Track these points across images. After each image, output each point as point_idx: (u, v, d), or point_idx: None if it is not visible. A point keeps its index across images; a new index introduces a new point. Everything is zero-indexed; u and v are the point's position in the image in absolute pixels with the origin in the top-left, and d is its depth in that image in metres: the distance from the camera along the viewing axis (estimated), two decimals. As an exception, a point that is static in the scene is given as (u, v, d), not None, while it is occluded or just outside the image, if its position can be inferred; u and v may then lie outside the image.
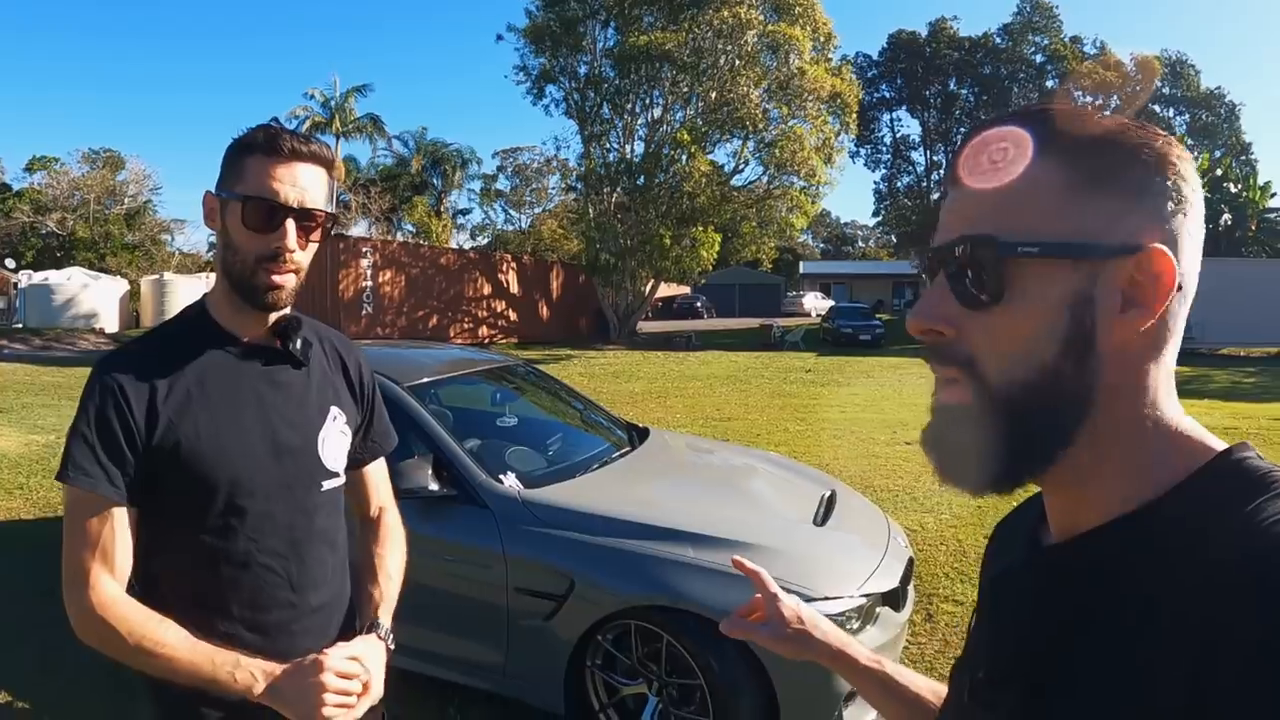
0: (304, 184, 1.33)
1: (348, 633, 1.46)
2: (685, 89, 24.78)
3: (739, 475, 4.26)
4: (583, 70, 25.99)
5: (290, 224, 1.32)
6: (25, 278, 35.60)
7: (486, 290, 26.68)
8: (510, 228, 51.04)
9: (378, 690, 1.34)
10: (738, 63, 23.82)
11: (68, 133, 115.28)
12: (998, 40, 43.03)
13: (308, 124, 41.57)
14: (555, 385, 5.21)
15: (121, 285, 36.49)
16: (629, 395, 13.56)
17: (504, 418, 4.66)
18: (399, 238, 39.77)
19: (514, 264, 28.16)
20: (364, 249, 23.20)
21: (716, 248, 24.07)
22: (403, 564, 1.63)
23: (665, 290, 42.16)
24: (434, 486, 3.36)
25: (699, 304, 44.28)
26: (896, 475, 7.15)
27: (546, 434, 4.53)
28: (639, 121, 26.04)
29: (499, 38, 27.34)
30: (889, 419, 10.50)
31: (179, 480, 1.31)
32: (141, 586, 1.36)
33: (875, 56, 46.02)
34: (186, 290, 35.09)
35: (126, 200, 47.19)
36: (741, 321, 37.33)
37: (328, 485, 1.46)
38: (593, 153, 26.38)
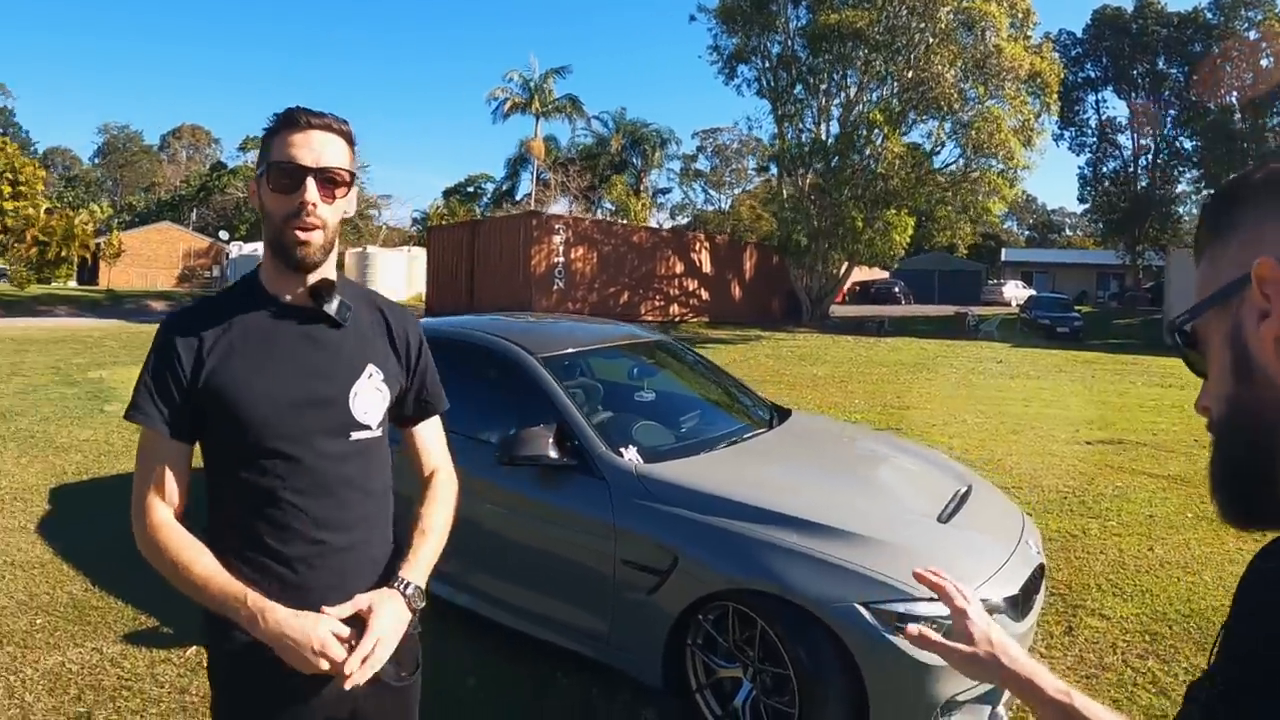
0: (319, 147, 1.48)
1: (388, 580, 1.56)
2: (879, 68, 23.94)
3: (869, 463, 4.12)
4: (775, 50, 25.61)
5: (310, 181, 1.46)
6: (236, 249, 39.24)
7: (679, 269, 26.92)
8: (710, 208, 51.28)
9: (383, 646, 1.44)
10: (932, 41, 22.74)
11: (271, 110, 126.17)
12: (1209, 16, 38.57)
13: (508, 105, 43.26)
14: (704, 363, 5.23)
15: (326, 257, 39.58)
16: (811, 379, 13.35)
17: (642, 392, 4.72)
18: (596, 216, 40.77)
19: (707, 243, 28.24)
20: (556, 226, 23.96)
21: (909, 231, 23.14)
22: (448, 522, 1.72)
23: (863, 275, 41.09)
24: (554, 455, 3.48)
25: (897, 289, 42.72)
26: (1069, 476, 6.68)
27: (683, 410, 4.55)
28: (834, 102, 25.38)
29: (691, 18, 27.13)
30: (1073, 416, 9.84)
31: (219, 421, 1.49)
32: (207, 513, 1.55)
33: (1079, 34, 42.37)
34: (388, 263, 37.67)
35: None
36: (939, 308, 35.76)
37: (357, 436, 1.57)
38: (785, 133, 25.99)
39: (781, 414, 4.64)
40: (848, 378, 13.63)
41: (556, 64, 51.54)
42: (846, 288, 43.73)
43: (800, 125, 25.87)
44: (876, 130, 23.21)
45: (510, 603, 3.78)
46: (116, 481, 6.50)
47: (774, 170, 27.59)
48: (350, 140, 1.54)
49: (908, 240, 23.49)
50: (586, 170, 46.96)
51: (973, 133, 22.67)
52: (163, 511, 1.47)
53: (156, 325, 1.58)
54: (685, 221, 49.98)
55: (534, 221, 24.10)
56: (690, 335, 21.25)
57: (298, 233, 1.47)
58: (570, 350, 4.49)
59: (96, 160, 71.21)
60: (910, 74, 23.33)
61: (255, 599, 1.39)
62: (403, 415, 1.72)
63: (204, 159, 67.88)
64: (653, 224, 42.76)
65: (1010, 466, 6.93)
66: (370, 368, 1.60)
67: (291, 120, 1.48)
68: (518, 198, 50.08)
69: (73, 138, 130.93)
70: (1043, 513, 5.58)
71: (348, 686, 1.38)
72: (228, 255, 41.23)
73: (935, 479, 3.93)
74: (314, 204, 1.46)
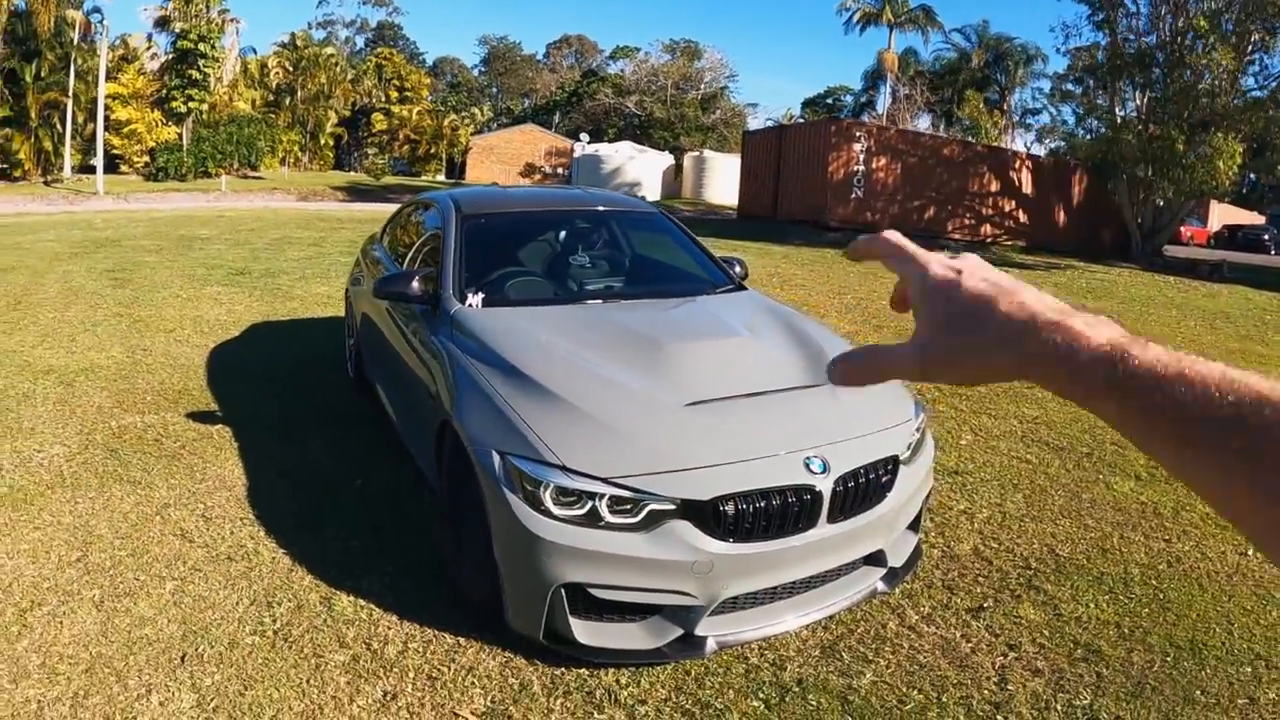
0: None
1: None
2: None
3: (702, 343, 3.85)
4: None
5: None
6: (579, 147, 41.49)
7: (994, 187, 24.62)
8: (1083, 133, 45.57)
9: None
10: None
11: (651, 24, 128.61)
12: None
13: (858, 14, 41.38)
14: (681, 237, 5.27)
15: (666, 159, 40.72)
16: None
17: (577, 255, 5.00)
18: (944, 132, 38.11)
19: (1028, 162, 25.45)
20: (857, 134, 22.97)
21: (1237, 160, 18.97)
22: None
23: (1233, 217, 34.50)
24: (415, 291, 4.16)
25: (1266, 236, 35.45)
26: None
27: (601, 273, 4.92)
28: (1162, 9, 21.19)
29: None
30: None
31: None
32: None
33: None
34: (723, 167, 38.16)
35: (703, 86, 52.35)
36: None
37: None
38: (1102, 41, 22.42)
39: (725, 288, 4.74)
40: (1118, 317, 11.79)
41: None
42: (1215, 230, 37.37)
43: (1118, 31, 22.06)
44: (1199, 39, 19.18)
45: (390, 398, 4.86)
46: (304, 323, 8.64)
47: (1089, 83, 23.79)
48: None
49: (1234, 171, 19.34)
50: (946, 85, 43.94)
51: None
52: None
53: None
54: (1055, 146, 45.20)
55: (833, 128, 23.33)
56: (992, 258, 19.58)
57: None
58: (500, 211, 5.02)
59: (481, 69, 79.03)
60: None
61: None
62: None
63: (584, 67, 72.57)
64: (1015, 146, 38.98)
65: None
66: None
67: None
68: (878, 111, 48.27)
69: (460, 48, 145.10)
70: None
71: None
72: (573, 154, 44.23)
73: (778, 366, 3.60)
74: None
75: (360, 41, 71.92)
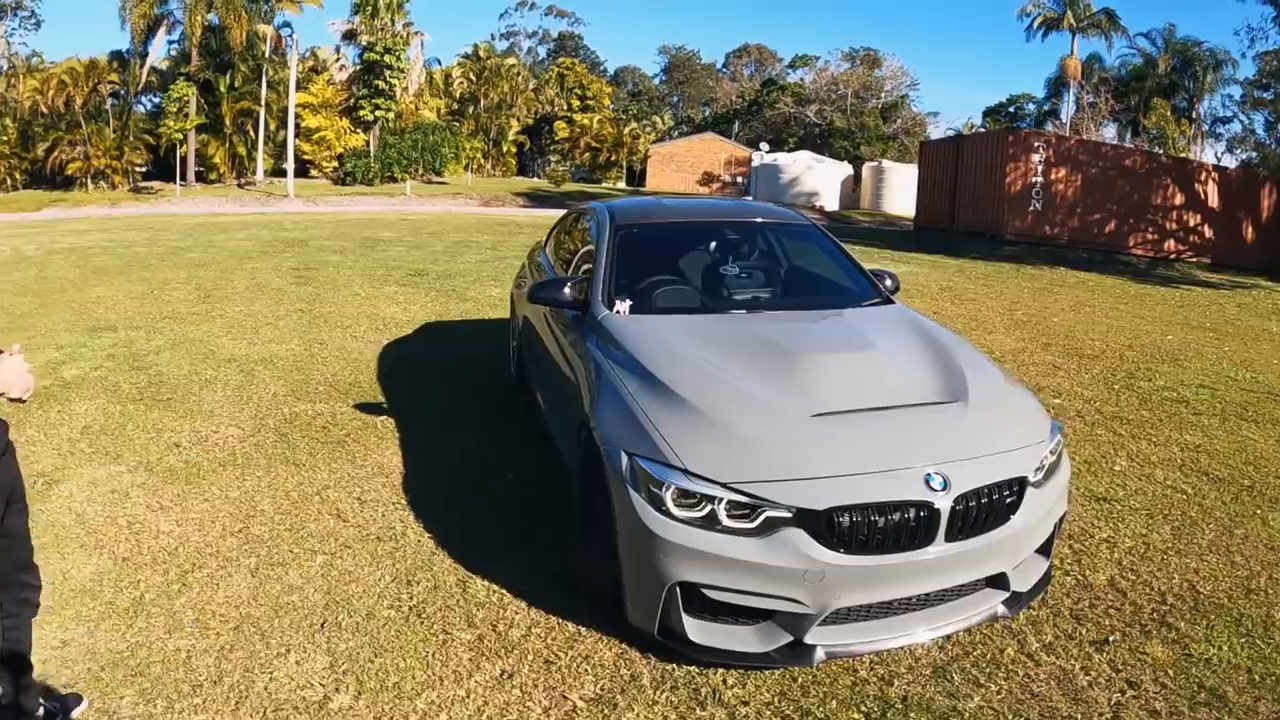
0: None
1: None
2: None
3: (836, 356, 3.89)
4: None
5: None
6: (758, 156, 41.29)
7: (1178, 200, 22.99)
8: (1275, 144, 42.01)
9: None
10: None
11: (830, 32, 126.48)
12: None
13: (1039, 19, 39.66)
14: (829, 247, 5.29)
15: (844, 169, 40.03)
16: (1261, 333, 10.85)
17: (726, 266, 5.08)
18: (1130, 142, 35.97)
19: (1214, 175, 23.64)
20: (1035, 143, 21.93)
21: None
22: None
23: None
24: (566, 297, 4.43)
25: None
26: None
27: (749, 285, 4.97)
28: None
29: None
30: None
31: None
32: None
33: None
34: (902, 177, 37.23)
35: (883, 95, 51.47)
36: None
37: None
38: None
39: (872, 301, 4.74)
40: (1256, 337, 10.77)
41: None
42: None
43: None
44: None
45: (542, 396, 5.19)
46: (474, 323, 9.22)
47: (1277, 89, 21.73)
48: None
49: None
50: (1132, 92, 41.50)
51: None
52: None
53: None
54: (1247, 156, 41.86)
55: (1010, 138, 22.37)
56: (1174, 275, 18.60)
57: None
58: (652, 221, 5.36)
59: (662, 78, 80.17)
60: None
61: None
62: None
63: (763, 76, 72.58)
64: (1204, 157, 36.40)
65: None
66: None
67: None
68: (1061, 120, 46.16)
69: (640, 58, 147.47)
70: None
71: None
72: (751, 163, 44.14)
73: (910, 381, 3.60)
74: None
75: (542, 52, 74.73)
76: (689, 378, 3.44)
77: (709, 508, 2.90)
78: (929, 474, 2.99)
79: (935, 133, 51.36)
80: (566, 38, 76.30)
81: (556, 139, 52.08)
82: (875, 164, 39.32)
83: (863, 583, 2.90)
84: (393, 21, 43.48)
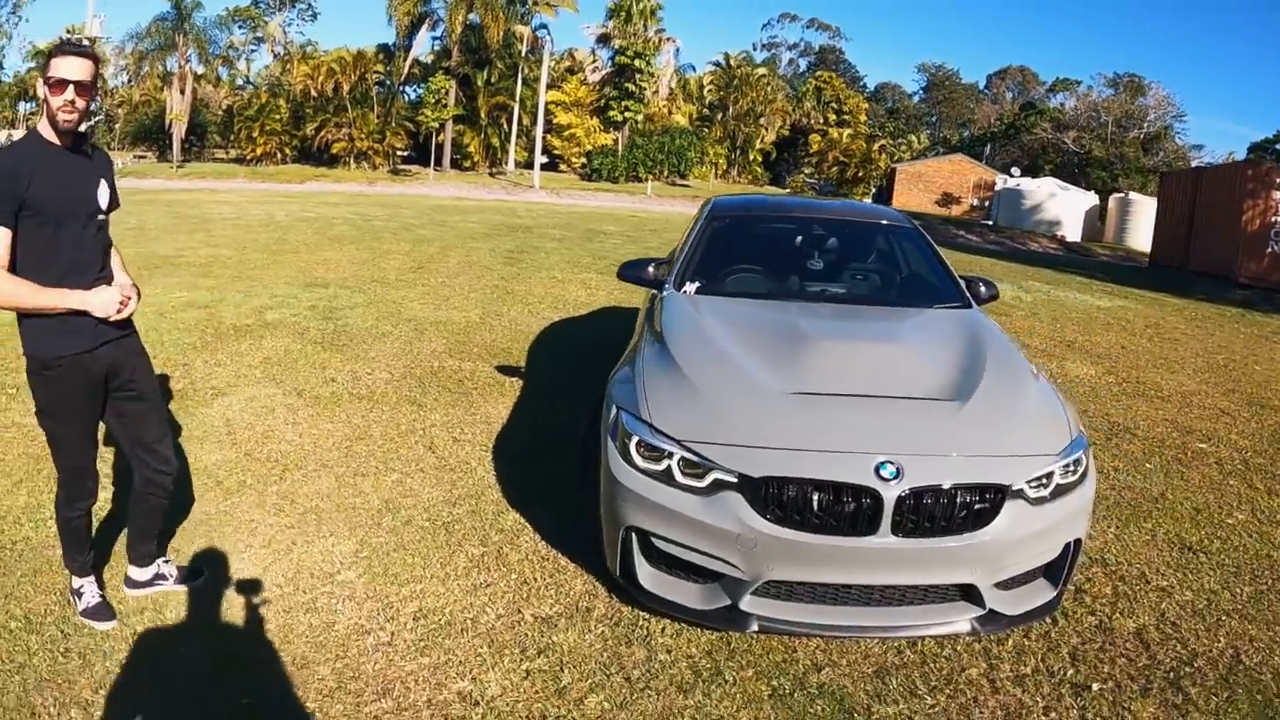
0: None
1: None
2: None
3: (874, 344, 4.06)
4: None
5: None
6: (1003, 180, 39.15)
7: None
8: None
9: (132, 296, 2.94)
10: None
11: (1094, 56, 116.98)
12: None
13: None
14: (924, 248, 5.31)
15: (1090, 199, 37.29)
16: None
17: (810, 260, 5.27)
18: None
19: None
20: (1278, 179, 19.39)
21: None
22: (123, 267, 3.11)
23: None
24: (649, 275, 4.91)
25: None
26: None
27: (830, 276, 5.15)
28: None
29: None
30: None
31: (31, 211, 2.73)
32: (20, 267, 2.83)
33: None
34: (1148, 210, 34.04)
35: (1146, 125, 47.48)
36: None
37: (99, 218, 2.93)
38: None
39: (950, 305, 4.71)
40: None
41: None
42: None
43: None
44: None
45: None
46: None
47: None
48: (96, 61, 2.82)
49: None
50: None
51: None
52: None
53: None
54: None
55: (1249, 172, 19.91)
56: None
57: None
58: (746, 215, 5.76)
59: (922, 96, 78.03)
60: None
61: (67, 291, 2.81)
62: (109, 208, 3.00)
63: (1023, 99, 69.29)
64: None
65: None
66: (102, 182, 2.94)
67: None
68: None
69: (901, 75, 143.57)
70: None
71: (126, 313, 2.87)
72: (994, 187, 42.27)
73: (919, 378, 3.61)
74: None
75: (803, 64, 75.40)
76: (695, 351, 3.74)
77: (666, 463, 3.15)
78: (882, 462, 2.98)
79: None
80: (827, 51, 76.38)
81: (810, 151, 52.24)
82: (1122, 195, 36.13)
83: (795, 558, 2.99)
84: (645, 27, 45.64)
